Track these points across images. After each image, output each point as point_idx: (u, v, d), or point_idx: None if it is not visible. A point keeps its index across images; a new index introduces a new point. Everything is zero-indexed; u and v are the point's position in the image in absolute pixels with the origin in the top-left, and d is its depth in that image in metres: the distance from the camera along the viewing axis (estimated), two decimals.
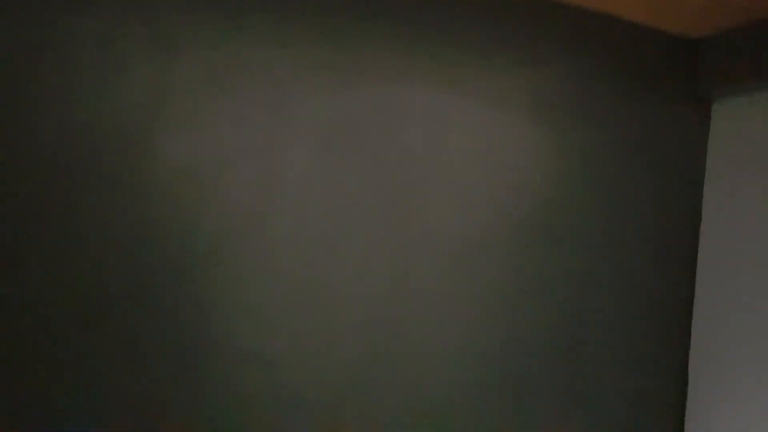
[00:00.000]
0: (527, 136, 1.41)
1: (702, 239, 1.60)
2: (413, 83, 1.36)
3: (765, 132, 1.52)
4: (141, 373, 1.12)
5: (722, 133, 1.62)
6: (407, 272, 1.30)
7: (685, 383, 1.57)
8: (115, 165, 1.12)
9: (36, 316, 1.08)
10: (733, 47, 1.67)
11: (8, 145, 1.07)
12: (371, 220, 1.28)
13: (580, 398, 1.44)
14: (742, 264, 1.51)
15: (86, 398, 1.09)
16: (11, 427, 1.05)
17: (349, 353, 1.26)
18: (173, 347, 1.13)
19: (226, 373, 1.17)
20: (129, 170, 1.12)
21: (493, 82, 1.43)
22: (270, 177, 1.21)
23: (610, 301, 1.49)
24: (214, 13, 1.18)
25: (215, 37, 1.19)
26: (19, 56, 1.06)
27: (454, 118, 1.38)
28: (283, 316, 1.22)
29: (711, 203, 1.59)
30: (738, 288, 1.51)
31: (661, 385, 1.54)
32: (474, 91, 1.40)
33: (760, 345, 1.44)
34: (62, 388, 1.09)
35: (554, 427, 1.42)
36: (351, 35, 1.30)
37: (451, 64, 1.41)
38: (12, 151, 1.07)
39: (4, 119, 1.08)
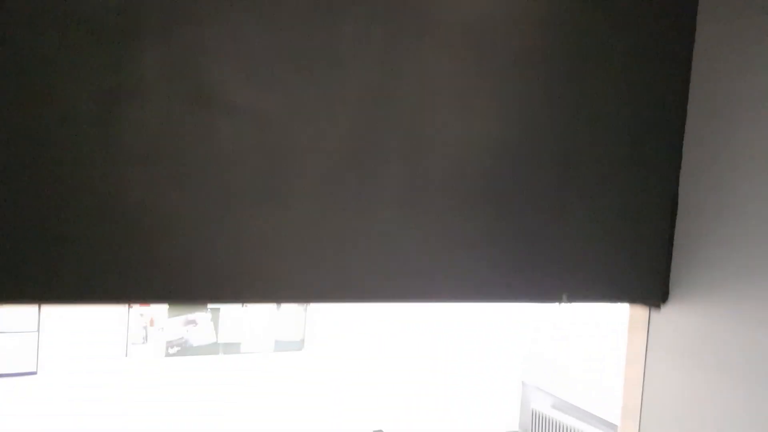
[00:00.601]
0: None
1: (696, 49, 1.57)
2: None
3: None
4: (131, 121, 1.10)
5: None
6: (413, 43, 1.28)
7: (675, 209, 1.57)
8: None
9: None
10: None
11: None
12: None
13: (568, 208, 1.45)
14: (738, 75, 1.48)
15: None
16: None
17: (351, 118, 1.23)
18: (160, 96, 1.11)
19: (214, 126, 1.13)
20: None
21: None
22: None
23: (604, 116, 1.48)
24: None
25: None
26: None
27: None
28: (279, 70, 1.17)
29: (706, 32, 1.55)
30: (732, 98, 1.48)
31: (649, 204, 1.55)
32: None
33: (758, 154, 1.43)
34: None
35: (541, 232, 1.44)
36: None
37: None
38: None
39: None
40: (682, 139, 1.54)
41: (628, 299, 1.54)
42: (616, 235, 1.50)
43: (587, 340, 5.82)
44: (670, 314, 1.56)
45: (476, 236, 1.37)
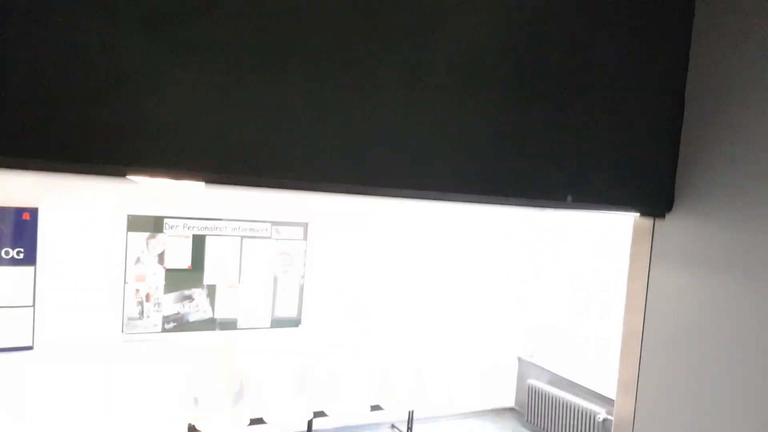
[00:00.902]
0: None
1: None
2: None
3: None
4: None
5: None
6: None
7: (682, 115, 1.55)
8: None
9: None
10: None
11: None
12: None
13: (575, 107, 1.43)
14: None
15: None
16: None
17: (351, 10, 1.21)
18: None
19: (219, 17, 1.12)
20: None
21: None
22: None
23: (614, 15, 1.45)
24: None
25: None
26: None
27: None
28: None
29: None
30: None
31: (657, 111, 1.53)
32: None
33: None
34: None
35: (547, 128, 1.41)
36: None
37: None
38: None
39: None
40: (690, 44, 1.53)
41: (633, 207, 1.52)
42: (622, 140, 1.48)
43: (585, 318, 5.80)
44: (674, 223, 1.54)
45: (481, 127, 1.34)
